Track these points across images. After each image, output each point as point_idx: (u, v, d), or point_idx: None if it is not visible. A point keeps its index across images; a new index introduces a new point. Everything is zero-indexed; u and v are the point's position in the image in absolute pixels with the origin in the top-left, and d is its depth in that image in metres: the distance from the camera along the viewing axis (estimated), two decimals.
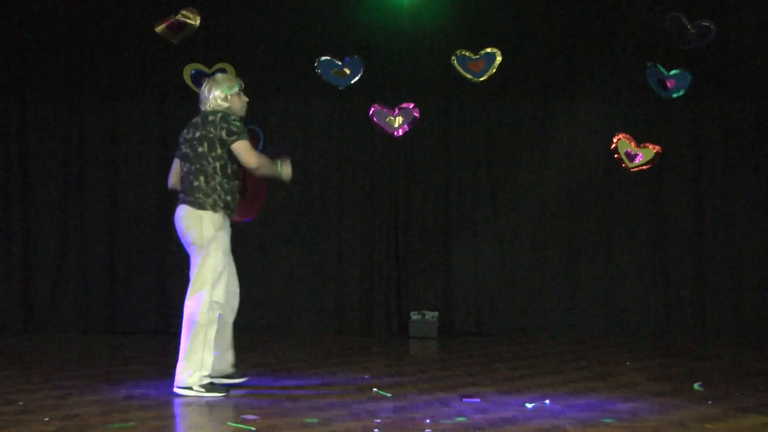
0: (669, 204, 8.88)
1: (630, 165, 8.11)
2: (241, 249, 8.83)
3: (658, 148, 8.11)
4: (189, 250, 6.01)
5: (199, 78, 8.23)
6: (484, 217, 8.89)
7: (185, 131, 6.04)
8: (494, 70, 8.07)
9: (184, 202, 5.99)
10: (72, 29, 8.74)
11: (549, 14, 8.80)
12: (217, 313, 5.87)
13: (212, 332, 5.85)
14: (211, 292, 5.84)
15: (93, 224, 8.81)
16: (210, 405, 5.55)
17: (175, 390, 5.81)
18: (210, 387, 5.81)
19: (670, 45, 8.16)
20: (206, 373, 5.82)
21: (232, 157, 5.93)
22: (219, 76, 6.17)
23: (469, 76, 8.10)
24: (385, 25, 8.76)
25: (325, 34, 8.68)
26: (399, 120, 8.21)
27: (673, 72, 8.02)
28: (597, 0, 8.81)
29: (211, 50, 8.49)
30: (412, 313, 8.73)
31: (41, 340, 8.28)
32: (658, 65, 8.02)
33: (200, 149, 5.90)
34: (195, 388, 5.78)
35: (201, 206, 5.89)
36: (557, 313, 8.83)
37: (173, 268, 8.80)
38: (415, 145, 8.92)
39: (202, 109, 6.05)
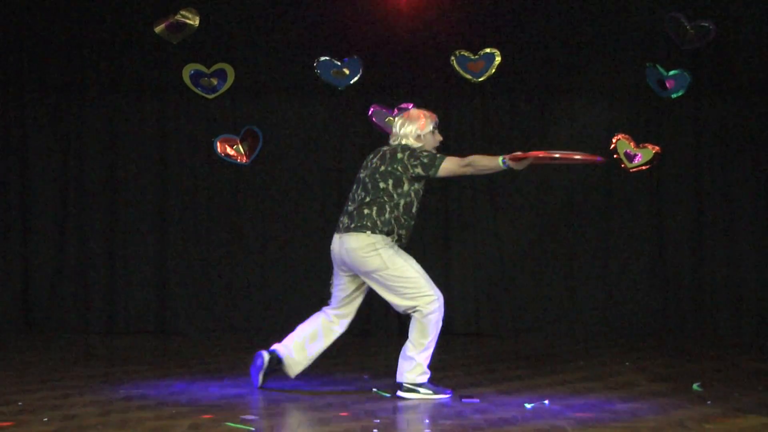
0: (668, 204, 8.88)
1: (629, 165, 8.11)
2: (241, 248, 8.87)
3: (657, 148, 8.12)
4: (370, 280, 5.91)
5: (198, 78, 8.24)
6: (483, 217, 8.89)
7: (371, 156, 5.93)
8: (493, 70, 8.08)
9: (350, 229, 5.83)
10: (72, 29, 8.73)
11: (549, 14, 8.79)
12: (439, 306, 5.86)
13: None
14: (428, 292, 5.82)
15: (92, 224, 8.80)
16: (209, 405, 5.55)
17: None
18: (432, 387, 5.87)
19: (670, 45, 8.17)
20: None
21: (419, 196, 5.83)
22: (414, 112, 5.98)
23: (468, 76, 8.11)
24: (385, 25, 8.76)
25: (325, 34, 8.68)
26: None
27: (672, 72, 8.03)
28: (597, 0, 8.81)
29: (210, 50, 8.48)
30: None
31: (40, 340, 8.27)
32: (657, 66, 8.03)
33: (382, 185, 5.76)
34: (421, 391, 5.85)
35: (372, 231, 5.75)
36: (557, 314, 8.83)
37: (173, 268, 8.81)
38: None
39: (391, 142, 5.91)
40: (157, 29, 7.86)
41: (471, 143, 8.92)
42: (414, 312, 5.89)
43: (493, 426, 5.06)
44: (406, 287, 5.81)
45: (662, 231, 8.88)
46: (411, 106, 8.19)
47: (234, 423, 5.04)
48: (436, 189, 8.91)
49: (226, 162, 8.43)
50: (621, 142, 8.04)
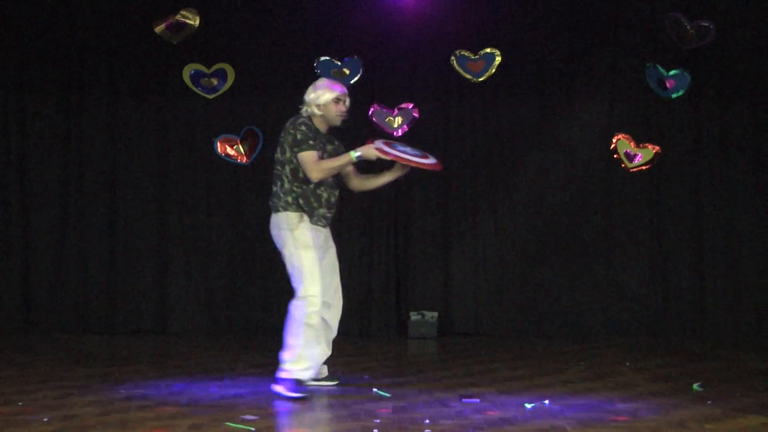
0: (668, 204, 8.87)
1: (629, 165, 8.11)
2: (241, 249, 8.86)
3: (657, 148, 8.12)
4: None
5: (198, 78, 8.24)
6: (483, 217, 8.89)
7: None
8: (493, 70, 8.08)
9: (270, 209, 6.03)
10: (72, 29, 8.74)
11: (548, 14, 8.79)
12: (313, 309, 5.83)
13: (311, 331, 5.84)
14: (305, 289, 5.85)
15: (92, 224, 8.80)
16: (209, 405, 5.55)
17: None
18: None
19: (670, 45, 8.17)
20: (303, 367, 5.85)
21: None
22: (320, 81, 6.09)
23: (468, 76, 8.11)
24: (385, 25, 8.76)
25: (325, 34, 8.68)
26: (398, 120, 8.22)
27: (672, 72, 8.02)
28: (596, 0, 8.81)
29: (210, 50, 8.48)
30: (411, 314, 8.72)
31: (40, 340, 8.27)
32: (657, 65, 8.02)
33: (276, 155, 5.96)
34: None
35: (275, 209, 5.93)
36: (556, 314, 8.83)
37: (173, 267, 8.81)
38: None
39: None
40: (157, 29, 7.86)
41: (471, 143, 8.93)
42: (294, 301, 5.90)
43: (493, 426, 5.06)
44: (293, 272, 5.90)
45: (662, 231, 8.87)
46: (411, 105, 8.20)
47: (234, 423, 5.04)
48: (436, 188, 8.92)
49: (226, 162, 8.43)
50: (621, 142, 8.04)
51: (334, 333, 6.18)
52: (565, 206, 8.88)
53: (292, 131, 5.88)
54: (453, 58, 8.04)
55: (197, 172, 8.83)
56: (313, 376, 5.92)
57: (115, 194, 8.82)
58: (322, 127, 6.03)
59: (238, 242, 8.86)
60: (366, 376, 6.56)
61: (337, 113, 6.02)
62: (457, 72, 8.09)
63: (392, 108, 8.27)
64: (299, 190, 5.90)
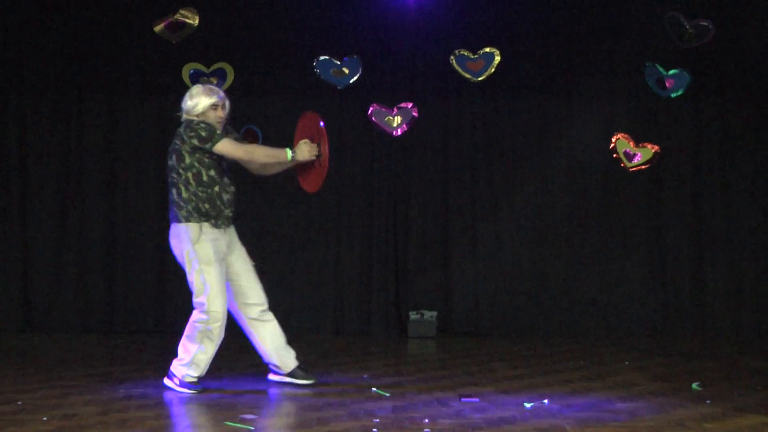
0: (668, 204, 8.88)
1: (629, 165, 8.10)
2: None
3: (656, 147, 8.11)
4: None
5: (198, 78, 8.23)
6: (482, 217, 8.89)
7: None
8: (493, 69, 8.06)
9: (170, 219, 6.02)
10: (71, 29, 8.74)
11: (548, 14, 8.79)
12: (216, 324, 5.86)
13: (208, 342, 5.89)
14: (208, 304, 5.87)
15: (92, 224, 8.80)
16: (208, 404, 5.55)
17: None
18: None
19: (669, 44, 8.16)
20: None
21: (205, 164, 5.89)
22: (195, 88, 6.08)
23: (467, 75, 8.10)
24: (385, 25, 8.76)
25: (324, 33, 8.68)
26: (398, 120, 8.20)
27: (671, 71, 8.01)
28: (597, 0, 8.81)
29: (209, 50, 8.48)
30: (410, 313, 8.72)
31: (40, 340, 8.28)
32: (656, 65, 8.01)
33: (169, 163, 5.94)
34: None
35: (176, 219, 5.91)
36: (556, 313, 8.83)
37: (172, 267, 8.79)
38: (414, 144, 8.92)
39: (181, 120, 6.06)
40: (157, 29, 7.85)
41: (470, 143, 8.93)
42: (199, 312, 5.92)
43: (493, 425, 5.06)
44: (195, 287, 5.90)
45: (662, 231, 8.87)
46: (410, 105, 8.20)
47: (234, 423, 5.05)
48: (435, 188, 8.92)
49: None
50: (620, 142, 8.03)
51: (284, 336, 6.23)
52: (565, 206, 8.88)
53: (192, 134, 5.84)
54: (452, 57, 8.03)
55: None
56: (200, 378, 5.97)
57: (114, 194, 8.82)
58: None
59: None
60: (365, 376, 6.56)
61: (215, 120, 5.98)
62: (456, 71, 8.08)
63: (392, 107, 8.26)
64: (204, 194, 5.88)
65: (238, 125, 8.48)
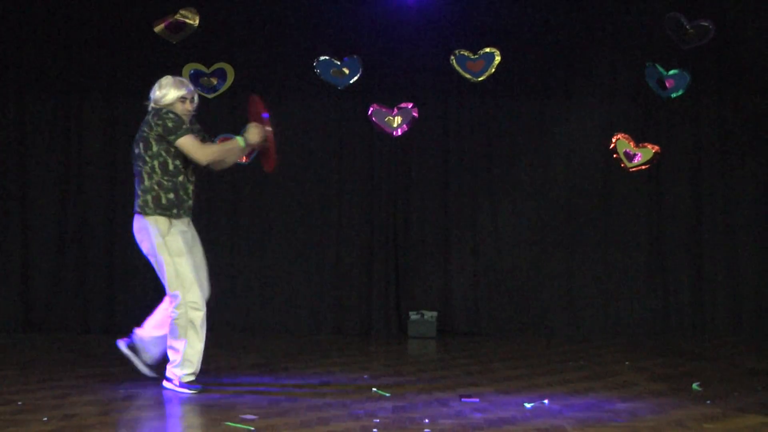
0: (668, 204, 8.88)
1: (629, 165, 8.11)
2: (241, 249, 8.86)
3: (656, 147, 8.12)
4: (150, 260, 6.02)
5: (198, 78, 8.23)
6: (482, 217, 8.89)
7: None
8: (493, 69, 8.07)
9: (135, 211, 6.00)
10: (71, 28, 8.74)
11: (548, 14, 8.79)
12: (198, 314, 5.86)
13: (192, 334, 5.89)
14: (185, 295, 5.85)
15: (91, 224, 8.80)
16: (208, 404, 5.55)
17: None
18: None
19: (669, 45, 8.16)
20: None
21: (172, 154, 5.88)
22: (164, 79, 6.04)
23: (468, 75, 8.10)
24: (385, 25, 8.76)
25: (324, 33, 8.68)
26: (398, 120, 8.21)
27: (671, 72, 8.02)
28: (597, 0, 8.81)
29: (210, 50, 8.48)
30: (411, 313, 8.72)
31: (40, 340, 8.27)
32: (657, 65, 8.02)
33: (136, 150, 5.93)
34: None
35: (143, 212, 5.89)
36: (556, 313, 8.83)
37: None
38: (414, 144, 8.92)
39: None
40: (157, 29, 7.85)
41: (470, 143, 8.93)
42: (173, 307, 5.90)
43: (493, 425, 5.06)
44: (168, 280, 5.88)
45: (662, 231, 8.87)
46: (410, 105, 8.20)
47: (234, 423, 5.05)
48: (435, 188, 8.92)
49: None
50: (620, 142, 8.03)
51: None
52: (565, 206, 8.88)
53: (159, 122, 5.83)
54: (452, 57, 8.04)
55: (197, 171, 8.80)
56: (196, 374, 5.95)
57: (114, 194, 8.81)
58: None
59: (237, 242, 8.86)
60: (365, 376, 6.56)
61: (182, 112, 5.97)
62: (456, 71, 8.08)
63: (392, 107, 8.27)
64: (169, 184, 5.88)
65: (239, 125, 8.48)
